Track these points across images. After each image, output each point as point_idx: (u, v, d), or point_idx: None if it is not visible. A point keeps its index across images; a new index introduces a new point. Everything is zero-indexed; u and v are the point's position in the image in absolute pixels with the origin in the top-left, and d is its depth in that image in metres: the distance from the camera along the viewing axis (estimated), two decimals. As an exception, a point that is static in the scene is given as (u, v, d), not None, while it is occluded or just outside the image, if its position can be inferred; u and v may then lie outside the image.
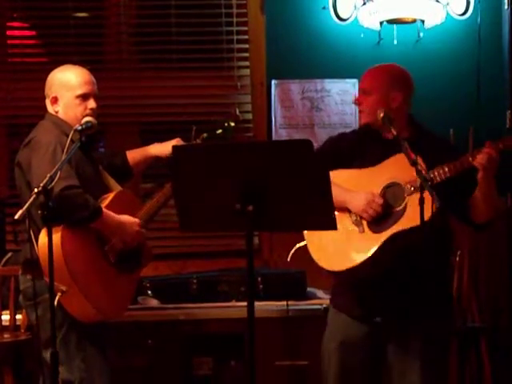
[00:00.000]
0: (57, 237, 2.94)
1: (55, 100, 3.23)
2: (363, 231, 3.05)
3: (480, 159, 2.89)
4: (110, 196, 3.19)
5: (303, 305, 3.98)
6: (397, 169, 3.02)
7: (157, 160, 3.49)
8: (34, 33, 4.92)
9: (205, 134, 3.46)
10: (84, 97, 3.21)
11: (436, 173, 2.95)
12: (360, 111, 3.20)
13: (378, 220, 3.02)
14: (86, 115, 3.17)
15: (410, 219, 2.92)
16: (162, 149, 3.41)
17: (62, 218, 2.94)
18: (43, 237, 2.91)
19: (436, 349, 3.08)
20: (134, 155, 3.53)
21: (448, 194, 2.93)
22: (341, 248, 3.07)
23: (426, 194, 2.71)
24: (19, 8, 4.84)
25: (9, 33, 4.83)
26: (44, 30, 4.84)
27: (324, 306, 3.78)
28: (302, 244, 3.21)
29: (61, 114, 3.21)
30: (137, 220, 3.19)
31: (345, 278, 3.12)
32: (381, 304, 3.08)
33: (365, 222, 3.06)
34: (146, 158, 3.51)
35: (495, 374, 4.26)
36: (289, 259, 3.51)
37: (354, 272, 3.02)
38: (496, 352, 4.37)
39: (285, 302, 3.90)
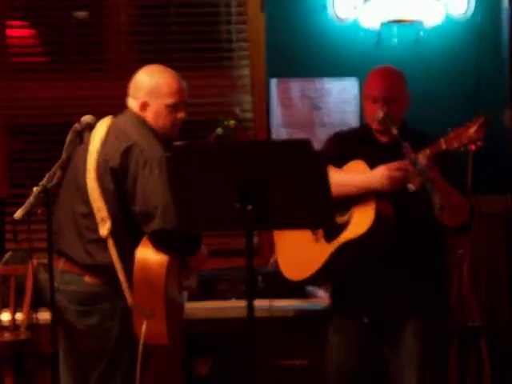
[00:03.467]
0: (163, 258, 2.82)
1: (145, 106, 3.02)
2: (319, 240, 3.06)
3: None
4: None
5: (303, 304, 3.97)
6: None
7: None
8: (33, 32, 4.92)
9: (219, 130, 3.39)
10: (175, 106, 3.03)
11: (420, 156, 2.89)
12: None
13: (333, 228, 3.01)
14: (175, 125, 3.04)
15: (358, 227, 2.92)
16: None
17: (164, 244, 2.84)
18: (143, 251, 2.82)
19: (427, 348, 3.07)
20: None
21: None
22: (298, 258, 3.06)
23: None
24: (19, 7, 4.83)
25: (8, 32, 4.83)
26: (44, 29, 4.84)
27: (323, 305, 3.77)
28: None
29: (149, 120, 3.02)
30: (206, 251, 3.11)
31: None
32: (366, 305, 3.09)
33: (320, 231, 3.04)
34: None
35: (495, 374, 4.26)
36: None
37: (312, 280, 3.04)
38: (496, 352, 4.36)
39: (284, 301, 3.90)
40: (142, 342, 2.79)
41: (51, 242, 2.67)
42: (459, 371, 4.26)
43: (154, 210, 2.79)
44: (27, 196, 2.63)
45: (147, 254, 2.82)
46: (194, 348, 3.98)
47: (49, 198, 2.63)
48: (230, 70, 4.77)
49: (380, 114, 2.99)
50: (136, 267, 2.82)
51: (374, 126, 3.10)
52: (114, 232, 2.85)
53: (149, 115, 3.02)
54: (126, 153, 2.87)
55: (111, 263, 2.84)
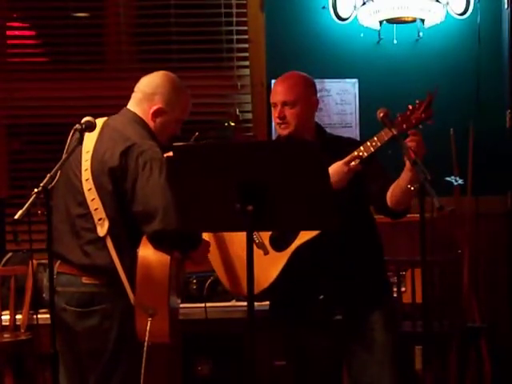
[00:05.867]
0: (166, 256, 2.82)
1: (161, 112, 3.02)
2: (268, 253, 3.05)
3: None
4: None
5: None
6: None
7: None
8: (33, 33, 4.93)
9: (196, 133, 3.39)
10: (181, 122, 3.10)
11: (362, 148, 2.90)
12: (281, 123, 3.06)
13: (279, 239, 3.00)
14: (170, 137, 3.04)
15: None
16: None
17: (164, 244, 2.83)
18: (145, 250, 2.82)
19: (395, 336, 3.08)
20: None
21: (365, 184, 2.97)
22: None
23: None
24: (19, 8, 4.84)
25: (8, 33, 4.84)
26: (44, 29, 4.85)
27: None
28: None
29: (153, 125, 3.02)
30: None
31: (283, 293, 3.09)
32: (336, 303, 3.07)
33: (267, 244, 3.04)
34: None
35: (495, 373, 4.26)
36: None
37: (269, 292, 3.01)
38: (496, 352, 4.37)
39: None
40: (147, 340, 2.79)
41: (51, 243, 2.66)
42: (459, 371, 4.26)
43: (155, 211, 2.78)
44: (27, 197, 2.62)
45: (149, 253, 2.82)
46: (195, 349, 3.98)
47: (49, 198, 2.62)
48: (230, 70, 4.77)
49: (380, 114, 2.97)
50: (139, 266, 2.81)
51: (279, 132, 3.10)
52: (112, 232, 2.83)
53: (157, 121, 3.01)
54: (126, 153, 2.85)
55: (110, 263, 2.83)
